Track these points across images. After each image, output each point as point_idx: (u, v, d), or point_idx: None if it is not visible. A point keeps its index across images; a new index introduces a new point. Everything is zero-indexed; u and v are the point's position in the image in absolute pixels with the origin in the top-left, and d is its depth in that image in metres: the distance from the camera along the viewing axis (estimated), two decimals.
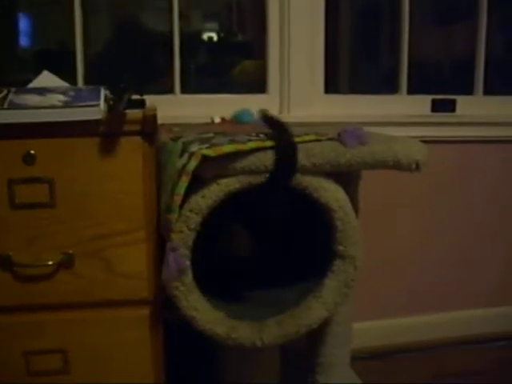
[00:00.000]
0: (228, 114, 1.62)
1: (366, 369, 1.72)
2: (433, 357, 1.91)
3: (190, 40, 1.92)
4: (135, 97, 1.21)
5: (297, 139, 1.19)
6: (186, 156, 1.11)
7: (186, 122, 1.58)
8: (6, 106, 1.10)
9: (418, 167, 1.25)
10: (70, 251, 1.17)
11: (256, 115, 1.59)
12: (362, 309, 1.73)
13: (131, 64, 1.95)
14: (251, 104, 1.65)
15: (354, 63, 2.25)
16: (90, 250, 1.17)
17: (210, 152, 1.09)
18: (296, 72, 1.79)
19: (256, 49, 2.00)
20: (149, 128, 1.15)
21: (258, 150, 1.15)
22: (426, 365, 1.86)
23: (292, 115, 1.78)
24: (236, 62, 2.06)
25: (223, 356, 1.44)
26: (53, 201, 1.14)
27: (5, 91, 1.17)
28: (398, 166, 1.24)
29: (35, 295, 1.18)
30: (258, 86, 1.89)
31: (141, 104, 1.25)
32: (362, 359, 1.85)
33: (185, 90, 1.82)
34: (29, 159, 1.12)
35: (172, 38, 1.79)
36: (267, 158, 1.15)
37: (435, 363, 1.87)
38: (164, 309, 1.26)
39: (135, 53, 1.96)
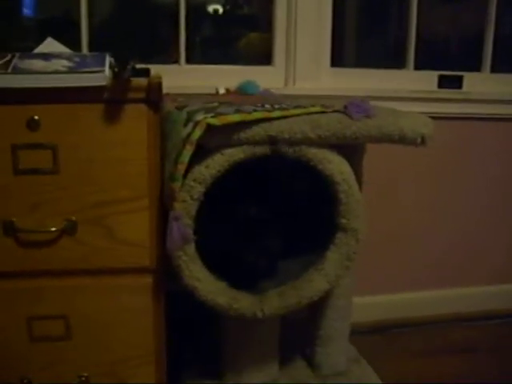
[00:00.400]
0: (233, 85, 1.61)
1: (365, 343, 1.73)
2: (433, 333, 1.92)
3: (196, 12, 1.90)
4: (140, 66, 1.20)
5: (303, 110, 1.18)
6: (190, 125, 1.11)
7: (191, 92, 1.56)
8: (10, 70, 1.09)
9: (423, 141, 1.24)
10: (73, 218, 1.17)
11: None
12: (363, 283, 1.74)
13: (136, 35, 1.93)
14: (257, 76, 1.64)
15: (361, 37, 2.22)
16: (93, 217, 1.17)
17: (215, 121, 1.08)
18: (302, 44, 1.77)
19: (262, 21, 1.98)
20: (154, 96, 1.14)
21: (263, 120, 1.14)
22: (426, 340, 1.87)
23: (297, 87, 1.76)
24: (242, 34, 2.03)
25: (224, 327, 1.44)
26: (56, 167, 1.14)
27: (9, 56, 1.15)
28: (403, 139, 1.23)
29: (38, 261, 1.18)
30: (264, 59, 1.87)
31: (146, 73, 1.24)
32: (362, 333, 1.86)
33: (190, 61, 1.80)
34: (33, 125, 1.11)
35: (178, 10, 1.77)
36: (272, 129, 1.15)
37: (435, 339, 1.88)
38: (167, 279, 1.27)
39: (140, 24, 1.94)
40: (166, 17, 1.92)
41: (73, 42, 1.70)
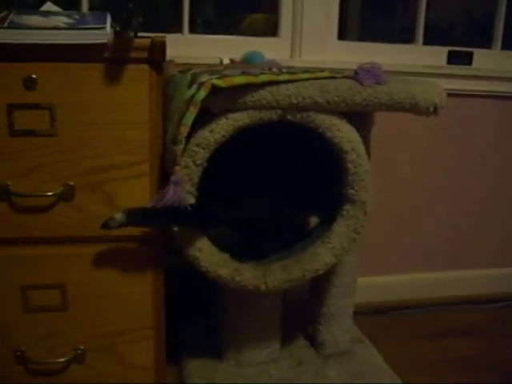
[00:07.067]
0: (237, 56, 1.57)
1: (369, 324, 1.70)
2: (437, 315, 1.89)
3: None
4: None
5: (311, 75, 1.14)
6: (194, 86, 1.06)
7: (194, 62, 1.51)
8: (6, 25, 1.04)
9: (435, 110, 1.20)
10: (71, 183, 1.12)
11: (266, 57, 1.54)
12: (367, 264, 1.71)
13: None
14: (262, 47, 1.60)
15: (370, 11, 2.17)
16: (91, 183, 1.13)
17: (221, 82, 1.04)
18: (309, 16, 1.71)
19: (265, 1, 1.92)
20: (157, 56, 1.09)
21: (270, 83, 1.10)
22: (430, 322, 1.83)
23: (303, 60, 1.70)
24: (244, 16, 1.98)
25: (225, 304, 1.40)
26: (54, 129, 1.09)
27: (5, 12, 1.10)
28: (415, 108, 1.19)
29: (33, 228, 1.14)
30: None
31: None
32: (366, 314, 1.83)
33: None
34: (29, 84, 1.06)
35: None
36: (280, 93, 1.10)
37: (440, 321, 1.85)
38: (167, 254, 1.23)
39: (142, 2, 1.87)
40: None
41: (72, 8, 1.64)
